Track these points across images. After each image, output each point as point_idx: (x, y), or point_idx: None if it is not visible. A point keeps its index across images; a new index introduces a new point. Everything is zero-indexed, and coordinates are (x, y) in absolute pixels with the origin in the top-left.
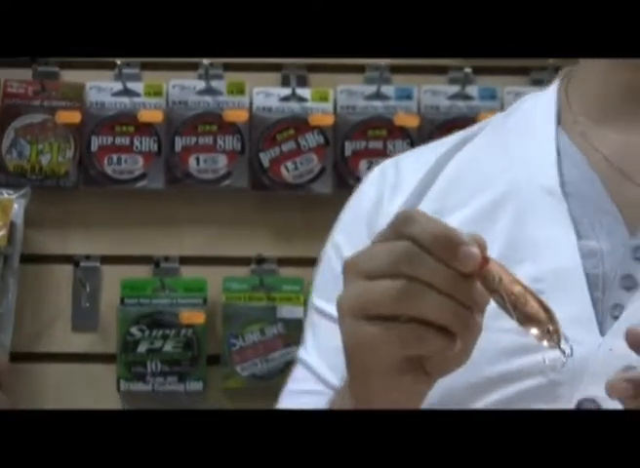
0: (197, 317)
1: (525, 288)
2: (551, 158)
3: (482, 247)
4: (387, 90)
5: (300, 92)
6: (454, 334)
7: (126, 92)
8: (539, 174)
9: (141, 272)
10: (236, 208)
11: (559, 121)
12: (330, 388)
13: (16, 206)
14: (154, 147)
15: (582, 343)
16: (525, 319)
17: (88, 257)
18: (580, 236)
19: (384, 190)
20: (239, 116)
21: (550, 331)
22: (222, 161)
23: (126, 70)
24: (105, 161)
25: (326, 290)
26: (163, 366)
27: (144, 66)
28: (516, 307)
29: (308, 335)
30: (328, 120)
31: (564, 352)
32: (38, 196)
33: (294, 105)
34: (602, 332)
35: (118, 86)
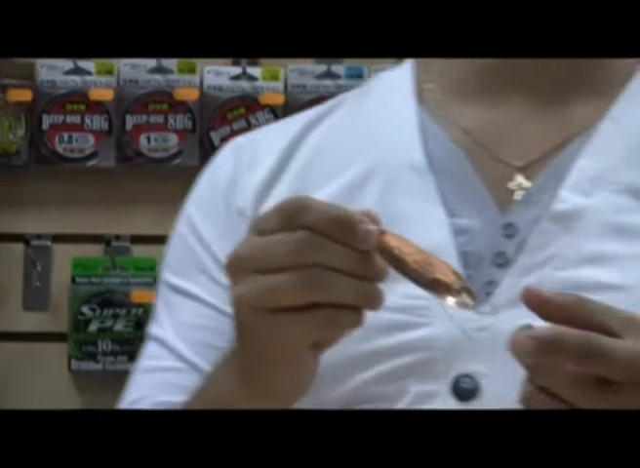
0: (148, 296)
1: (426, 254)
2: (414, 135)
3: (376, 221)
4: (338, 69)
5: (251, 71)
6: (362, 311)
7: (77, 70)
8: (403, 151)
9: (93, 251)
10: (187, 186)
11: (418, 99)
12: (188, 365)
13: None
14: (105, 126)
15: (456, 319)
16: (432, 284)
17: (39, 236)
18: (450, 214)
19: (241, 166)
20: (190, 95)
21: (460, 290)
22: (173, 140)
23: None
24: (56, 139)
25: (180, 265)
26: (114, 345)
27: None
28: (420, 274)
29: (162, 312)
30: (279, 99)
31: (478, 309)
32: None
33: (244, 84)
34: (476, 309)
35: (69, 64)
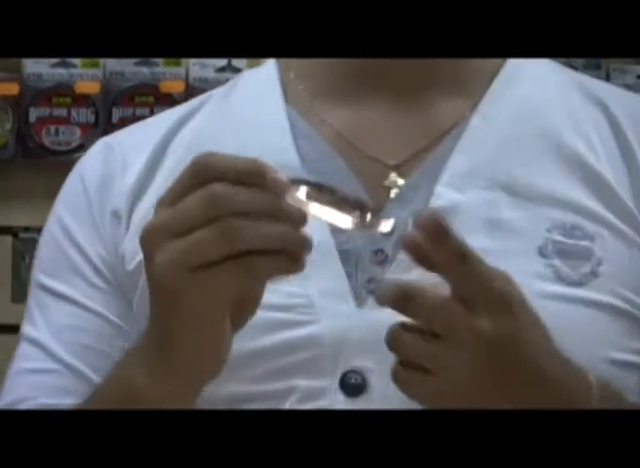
0: None
1: (331, 192)
2: (286, 135)
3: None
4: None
5: (237, 63)
6: (287, 254)
7: (63, 63)
8: (276, 152)
9: None
10: None
11: (286, 99)
12: (65, 367)
13: None
14: (92, 119)
15: (340, 316)
16: (345, 214)
17: (27, 229)
18: None
19: (113, 167)
20: (176, 87)
21: (371, 217)
22: None
23: None
24: (43, 132)
25: (54, 267)
26: None
27: None
28: (333, 209)
29: (36, 313)
30: None
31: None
32: None
33: (230, 76)
34: (359, 306)
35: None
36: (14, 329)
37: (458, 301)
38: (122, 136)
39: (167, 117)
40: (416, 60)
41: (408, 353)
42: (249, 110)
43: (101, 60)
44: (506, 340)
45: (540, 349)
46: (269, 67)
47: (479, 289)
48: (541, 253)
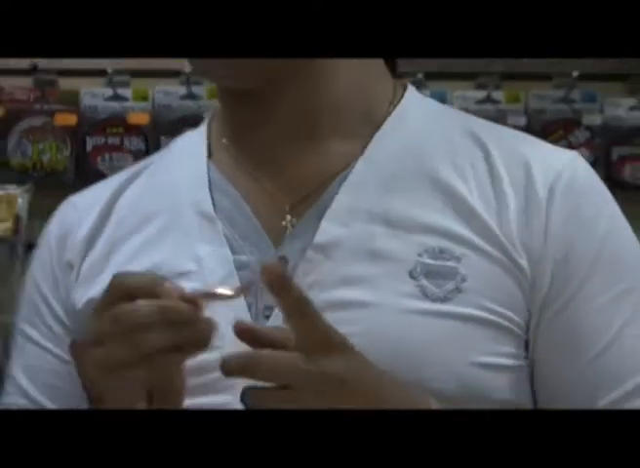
0: None
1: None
2: (204, 189)
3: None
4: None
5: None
6: (186, 347)
7: (116, 97)
8: (195, 204)
9: None
10: None
11: (209, 155)
12: (32, 402)
13: (20, 200)
14: (142, 146)
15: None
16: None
17: None
18: (233, 251)
19: (70, 223)
20: None
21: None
22: None
23: (116, 78)
24: (99, 160)
25: (25, 313)
26: None
27: (133, 74)
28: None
29: (14, 353)
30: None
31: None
32: (40, 191)
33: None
34: None
35: (109, 92)
36: None
37: (299, 352)
38: (83, 195)
39: (118, 177)
40: (317, 105)
41: (267, 405)
42: (176, 170)
43: (150, 94)
44: (343, 377)
45: (379, 382)
46: (201, 129)
47: (318, 339)
48: (411, 275)
